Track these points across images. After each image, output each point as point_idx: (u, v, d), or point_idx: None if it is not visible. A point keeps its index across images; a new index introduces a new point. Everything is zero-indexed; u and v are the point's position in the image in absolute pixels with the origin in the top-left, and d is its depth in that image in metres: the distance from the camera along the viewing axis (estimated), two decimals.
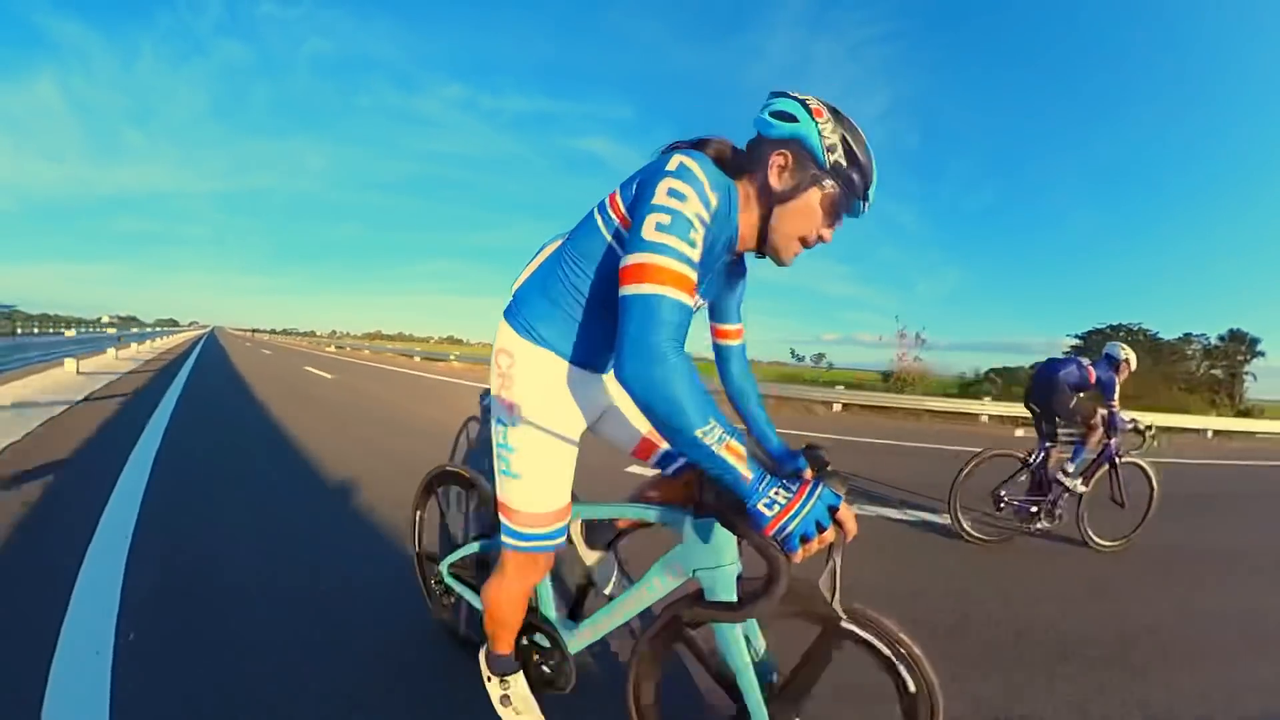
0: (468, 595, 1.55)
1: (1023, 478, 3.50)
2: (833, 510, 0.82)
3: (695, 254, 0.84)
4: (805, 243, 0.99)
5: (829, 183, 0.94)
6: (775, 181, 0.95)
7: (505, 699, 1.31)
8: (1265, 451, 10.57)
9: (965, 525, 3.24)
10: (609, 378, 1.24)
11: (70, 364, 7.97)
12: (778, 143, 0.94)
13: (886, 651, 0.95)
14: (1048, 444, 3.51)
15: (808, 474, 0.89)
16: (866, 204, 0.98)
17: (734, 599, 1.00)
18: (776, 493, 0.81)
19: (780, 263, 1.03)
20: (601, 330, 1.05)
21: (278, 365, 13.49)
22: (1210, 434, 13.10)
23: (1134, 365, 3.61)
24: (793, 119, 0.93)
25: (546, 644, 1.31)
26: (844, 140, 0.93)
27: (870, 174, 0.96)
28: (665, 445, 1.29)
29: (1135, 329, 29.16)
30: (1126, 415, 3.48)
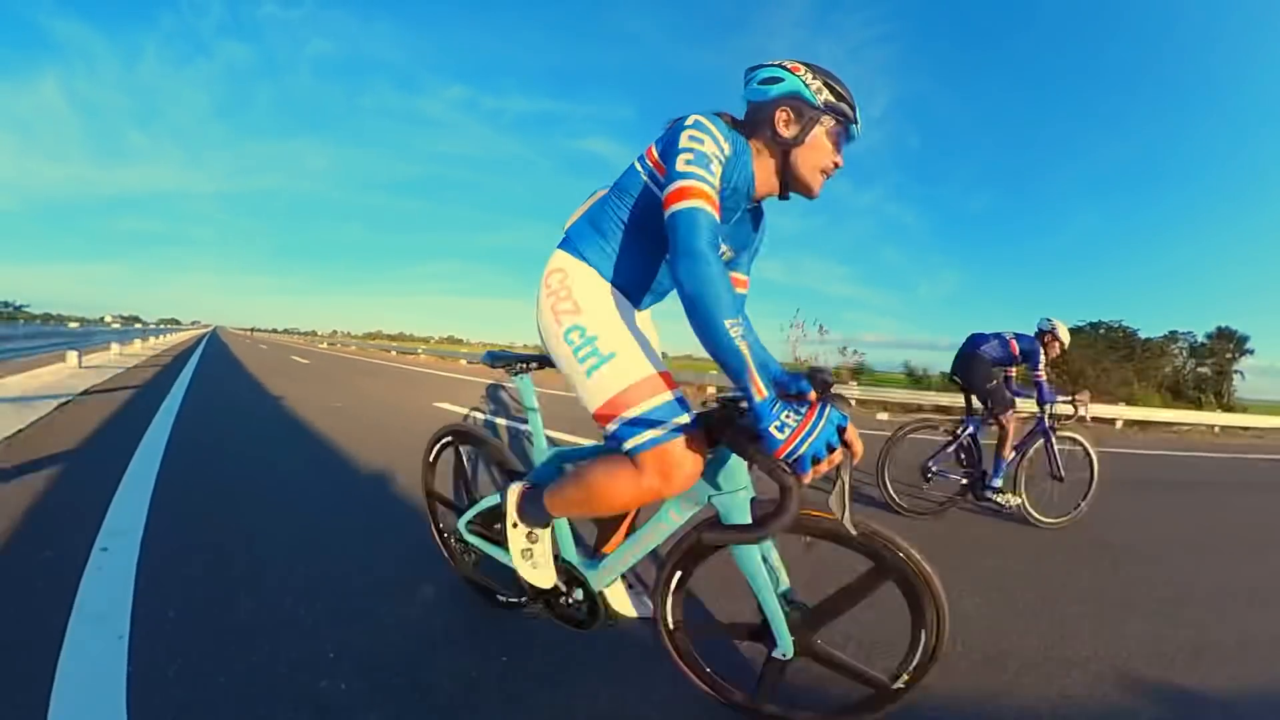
0: (489, 550, 1.59)
1: (950, 450, 3.44)
2: (841, 430, 0.88)
3: (716, 182, 1.03)
4: (825, 172, 1.17)
5: (827, 118, 1.13)
6: (785, 131, 1.13)
7: (527, 552, 1.32)
8: (1166, 442, 9.64)
9: (895, 498, 3.21)
10: (645, 318, 1.33)
11: (115, 348, 11.12)
12: (776, 101, 1.13)
13: (896, 564, 1.01)
14: (975, 419, 3.46)
15: (812, 396, 0.93)
16: (858, 126, 1.18)
17: (749, 521, 1.05)
18: (787, 416, 0.87)
19: (810, 194, 1.19)
20: (640, 262, 1.21)
21: (269, 355, 16.66)
22: (1120, 424, 11.81)
23: (1065, 340, 3.52)
24: (779, 80, 1.13)
25: (574, 585, 1.37)
26: (825, 83, 1.12)
27: (853, 101, 1.15)
28: (621, 416, 1.09)
29: (1115, 325, 29.06)
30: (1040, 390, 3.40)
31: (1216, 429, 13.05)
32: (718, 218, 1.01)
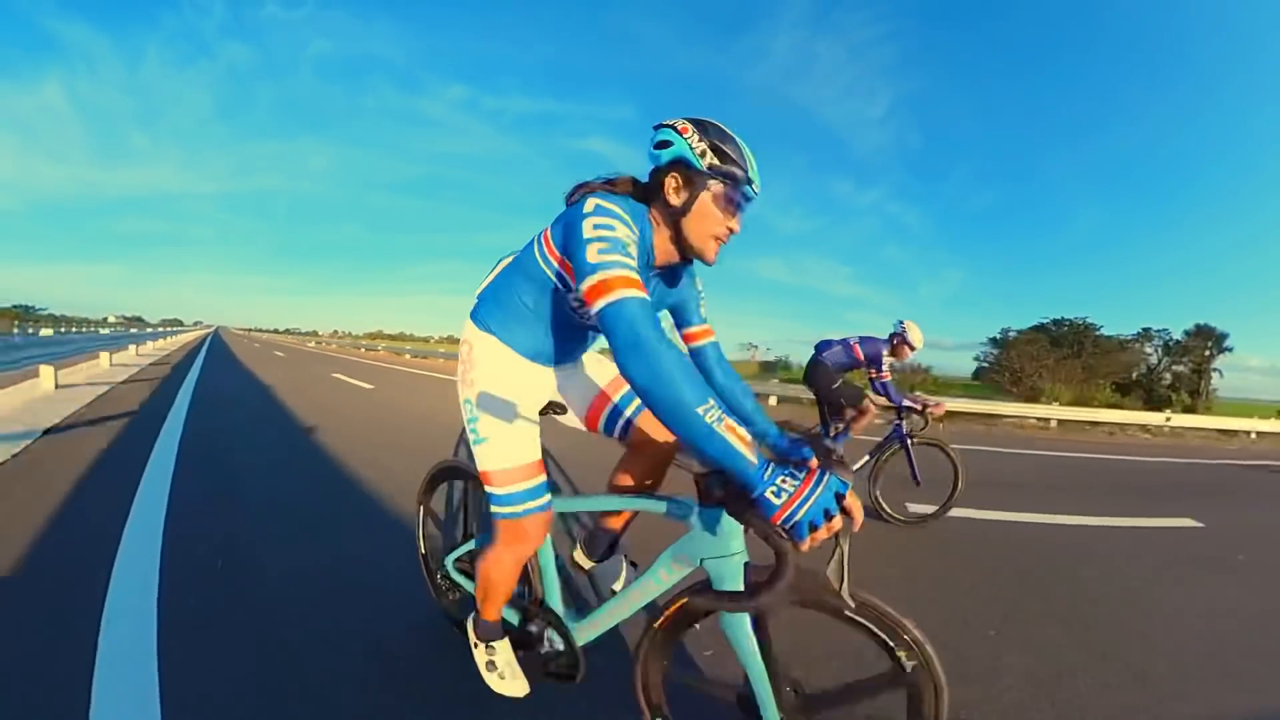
0: (471, 589, 1.55)
1: None
2: (840, 498, 0.83)
3: (634, 264, 0.98)
4: (719, 239, 1.12)
5: (713, 183, 1.07)
6: (674, 199, 1.09)
7: (491, 664, 1.36)
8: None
9: None
10: (550, 372, 1.35)
11: (149, 345, 17.18)
12: (667, 167, 1.09)
13: (892, 642, 0.96)
14: (826, 426, 3.66)
15: (813, 463, 0.90)
16: (754, 186, 1.11)
17: (741, 588, 1.01)
18: (784, 481, 0.82)
19: (706, 262, 1.15)
20: (541, 332, 1.24)
21: (259, 350, 21.62)
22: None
23: (917, 343, 3.58)
24: (669, 144, 1.08)
25: (555, 637, 1.33)
26: (710, 144, 1.06)
27: (743, 161, 1.08)
28: (606, 411, 1.39)
29: (1076, 322, 28.84)
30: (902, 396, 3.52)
31: (1053, 423, 11.56)
32: (647, 298, 0.96)
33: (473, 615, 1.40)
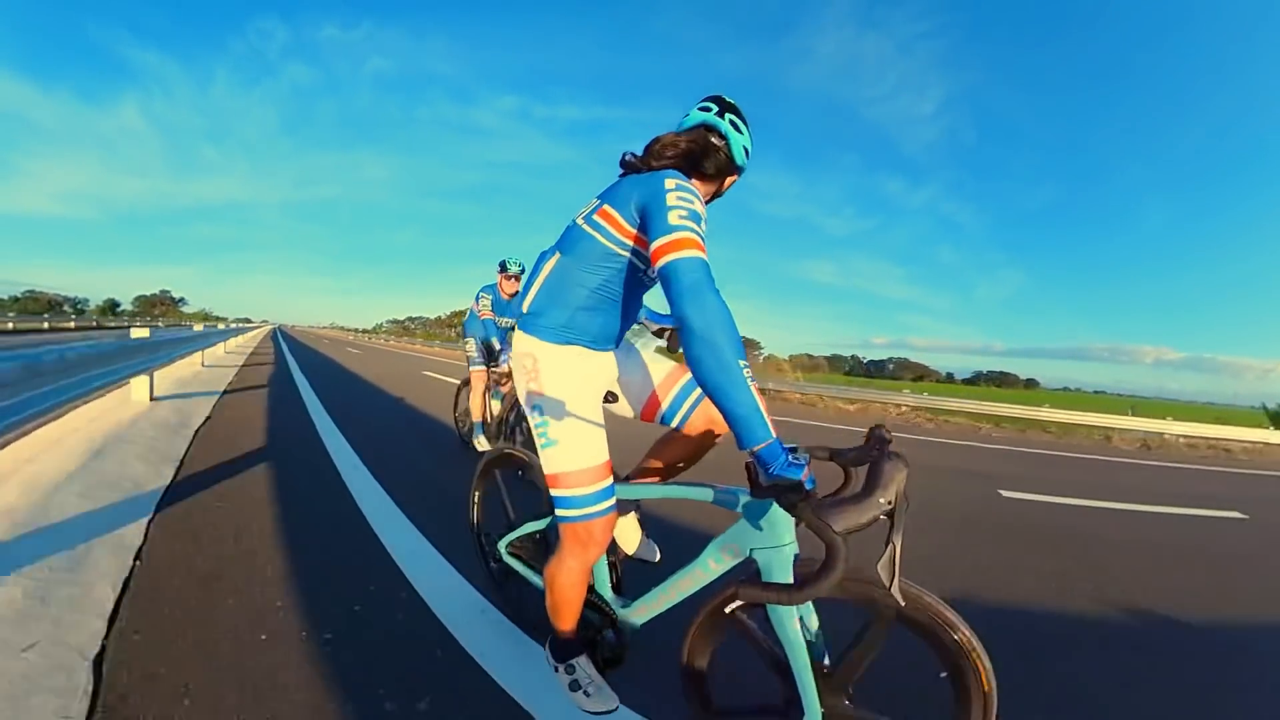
0: (527, 574, 1.60)
1: None
2: None
3: (703, 236, 1.08)
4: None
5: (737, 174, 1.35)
6: (721, 158, 1.28)
7: (574, 684, 1.30)
8: None
9: None
10: (612, 357, 1.39)
11: (244, 336, 20.39)
12: (729, 159, 1.29)
13: (943, 638, 0.95)
14: None
15: None
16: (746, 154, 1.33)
17: (790, 580, 1.01)
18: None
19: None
20: (604, 316, 1.27)
21: (309, 336, 29.81)
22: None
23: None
24: (738, 132, 1.28)
25: (603, 621, 1.36)
26: (747, 148, 1.31)
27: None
28: (666, 403, 1.42)
29: None
30: None
31: None
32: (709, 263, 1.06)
33: (549, 639, 1.36)
